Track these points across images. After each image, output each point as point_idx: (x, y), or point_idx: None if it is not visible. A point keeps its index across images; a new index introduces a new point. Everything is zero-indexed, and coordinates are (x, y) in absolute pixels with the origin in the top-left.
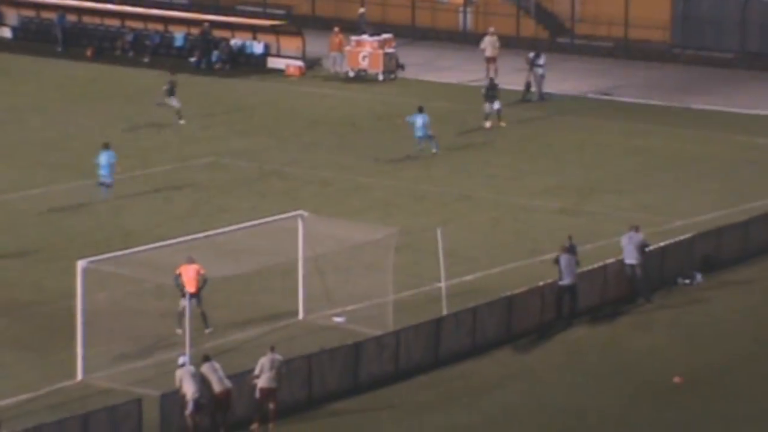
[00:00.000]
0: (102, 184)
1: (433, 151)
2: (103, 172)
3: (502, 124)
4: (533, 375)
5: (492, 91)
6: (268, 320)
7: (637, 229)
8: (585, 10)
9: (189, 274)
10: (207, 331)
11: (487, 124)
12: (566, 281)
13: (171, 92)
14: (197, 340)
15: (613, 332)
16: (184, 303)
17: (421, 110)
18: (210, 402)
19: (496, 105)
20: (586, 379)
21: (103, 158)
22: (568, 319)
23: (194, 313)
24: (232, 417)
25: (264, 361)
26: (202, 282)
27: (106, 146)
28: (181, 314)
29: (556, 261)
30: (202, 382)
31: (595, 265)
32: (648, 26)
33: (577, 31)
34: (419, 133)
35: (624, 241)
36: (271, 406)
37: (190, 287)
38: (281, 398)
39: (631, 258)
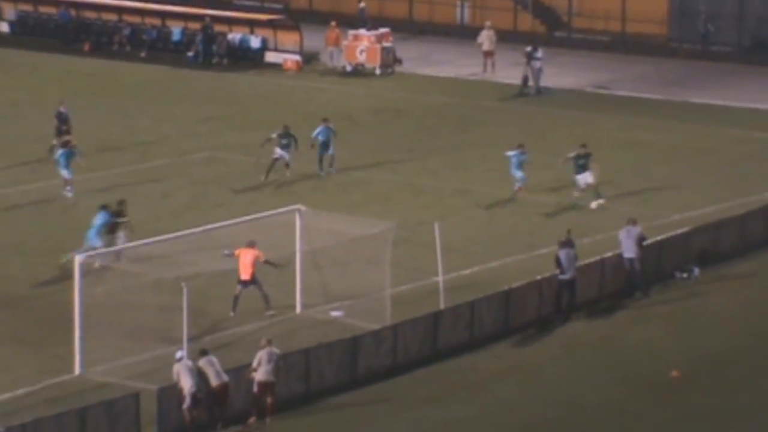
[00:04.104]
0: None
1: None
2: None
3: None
4: (531, 369)
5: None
6: (265, 314)
7: (634, 222)
8: (582, 5)
9: (245, 260)
10: (268, 313)
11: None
12: (567, 276)
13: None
14: (194, 334)
15: (611, 326)
16: (240, 288)
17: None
18: (207, 396)
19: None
20: (583, 372)
21: (322, 133)
22: (566, 314)
23: (254, 297)
24: (230, 411)
25: (262, 355)
26: (265, 268)
27: (325, 120)
28: (237, 298)
29: (557, 259)
30: (200, 376)
31: (593, 259)
32: (645, 20)
33: (574, 25)
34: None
35: (622, 235)
36: (269, 400)
37: (245, 274)
38: (279, 392)
39: (629, 252)
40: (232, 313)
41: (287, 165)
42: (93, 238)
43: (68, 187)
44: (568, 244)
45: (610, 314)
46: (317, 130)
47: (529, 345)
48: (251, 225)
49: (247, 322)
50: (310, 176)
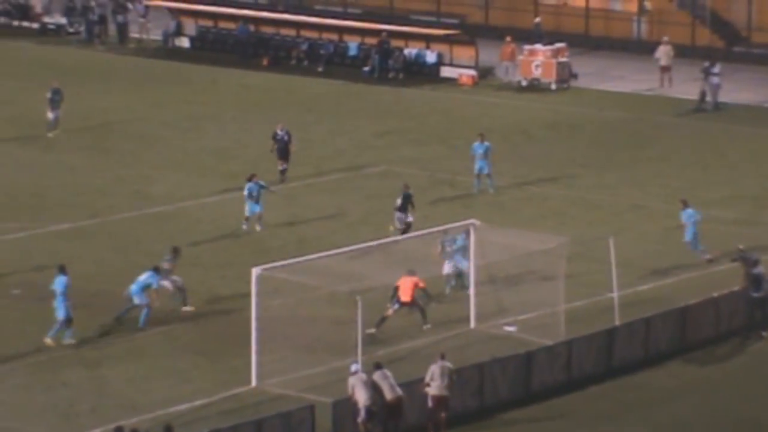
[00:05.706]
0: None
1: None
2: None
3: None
4: (708, 386)
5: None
6: (439, 328)
7: None
8: (762, 19)
9: (406, 285)
10: (425, 327)
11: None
12: (761, 293)
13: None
14: (369, 348)
15: None
16: (392, 308)
17: None
18: (382, 410)
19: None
20: (763, 391)
21: (479, 149)
22: (756, 331)
23: (432, 311)
24: (404, 425)
25: (434, 369)
26: (420, 294)
27: (480, 135)
28: (383, 319)
29: (754, 276)
30: (374, 389)
31: None
32: None
33: (753, 39)
34: None
35: None
36: (443, 414)
37: (405, 297)
38: (452, 407)
39: None
40: (373, 330)
41: (408, 224)
42: (459, 260)
43: (257, 223)
44: (758, 262)
45: None
46: (474, 145)
47: (705, 362)
48: (426, 239)
49: (420, 337)
50: (483, 190)
